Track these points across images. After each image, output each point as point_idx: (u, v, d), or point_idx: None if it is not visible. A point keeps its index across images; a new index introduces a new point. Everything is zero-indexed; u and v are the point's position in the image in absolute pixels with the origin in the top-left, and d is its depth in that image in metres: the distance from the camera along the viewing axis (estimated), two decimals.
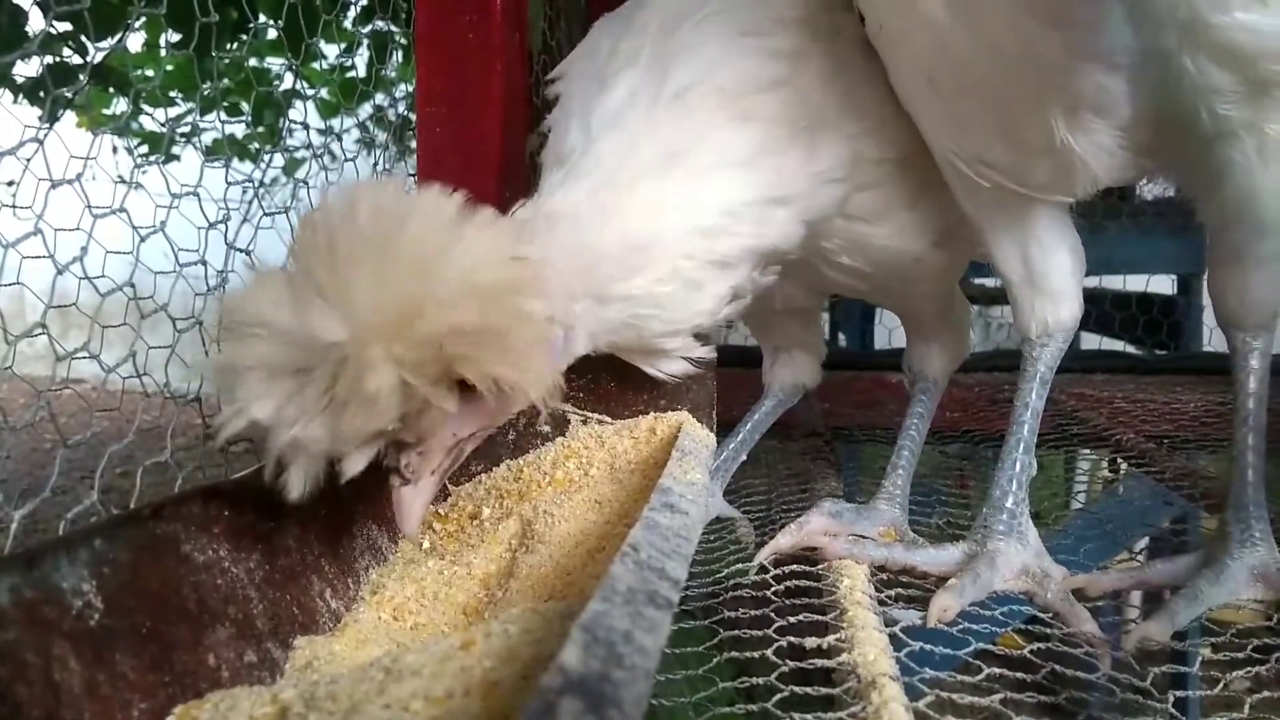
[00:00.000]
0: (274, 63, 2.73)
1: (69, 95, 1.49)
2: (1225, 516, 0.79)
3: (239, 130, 2.88)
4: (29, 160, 0.80)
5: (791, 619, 0.75)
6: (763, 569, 0.87)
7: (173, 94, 2.89)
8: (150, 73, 2.82)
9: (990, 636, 0.76)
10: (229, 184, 1.12)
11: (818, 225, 0.91)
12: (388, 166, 1.59)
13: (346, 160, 1.40)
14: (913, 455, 1.04)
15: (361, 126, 1.82)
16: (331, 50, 1.95)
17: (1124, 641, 0.74)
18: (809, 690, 0.64)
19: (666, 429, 0.93)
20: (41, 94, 2.17)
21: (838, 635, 0.69)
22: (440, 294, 0.65)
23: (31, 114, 2.20)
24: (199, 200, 1.03)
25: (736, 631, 0.76)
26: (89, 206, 0.89)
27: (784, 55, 0.87)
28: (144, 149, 2.92)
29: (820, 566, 0.85)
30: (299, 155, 1.66)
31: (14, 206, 0.94)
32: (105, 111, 2.69)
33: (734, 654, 0.76)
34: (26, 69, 2.21)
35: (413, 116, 1.37)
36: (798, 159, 0.86)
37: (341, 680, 0.50)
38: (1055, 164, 0.76)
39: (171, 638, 0.58)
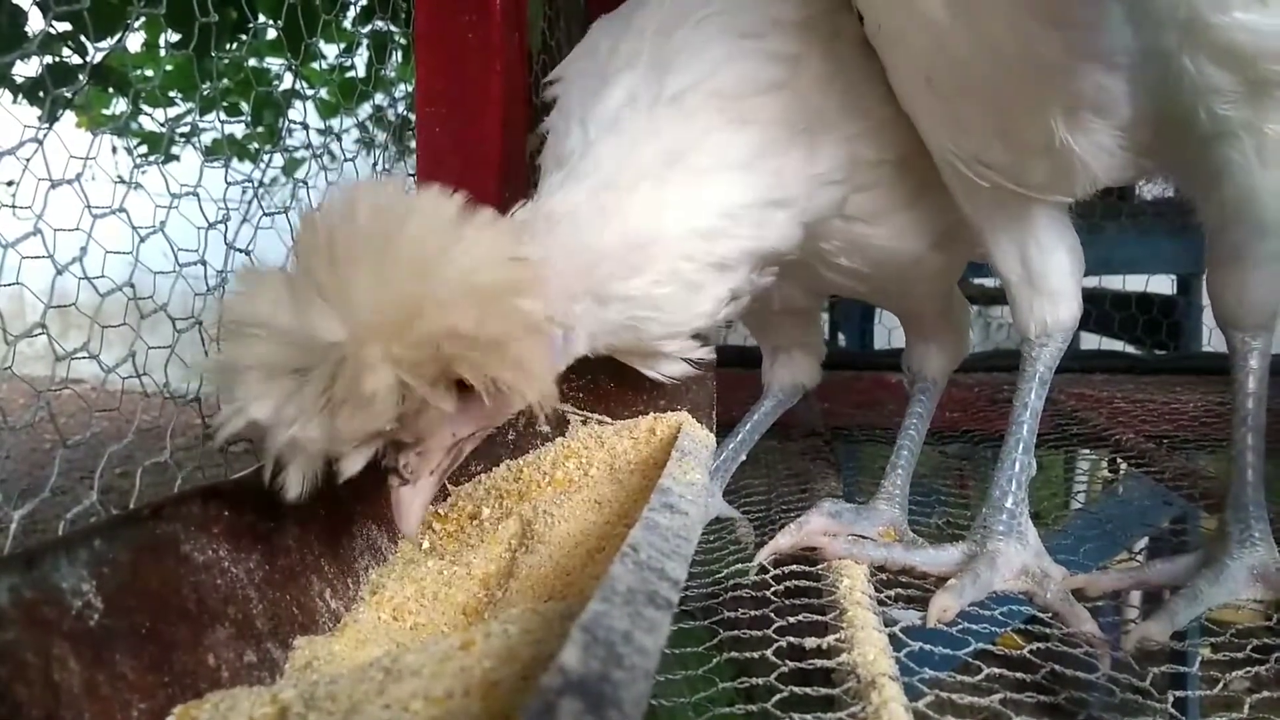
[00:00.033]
0: (274, 63, 2.73)
1: (69, 95, 1.49)
2: (1225, 516, 0.79)
3: (239, 130, 2.88)
4: (29, 160, 0.80)
5: (791, 619, 0.75)
6: (762, 569, 0.87)
7: (172, 94, 2.90)
8: (150, 73, 2.82)
9: (990, 636, 0.76)
10: (229, 184, 1.12)
11: (816, 227, 0.91)
12: (387, 166, 1.59)
13: (346, 160, 1.40)
14: (912, 455, 1.04)
15: (361, 126, 1.82)
16: (331, 50, 1.96)
17: (1124, 641, 0.74)
18: (809, 690, 0.64)
19: (666, 429, 0.93)
20: (41, 94, 2.17)
21: (837, 635, 0.69)
22: (439, 294, 0.65)
23: (31, 114, 2.20)
24: (199, 200, 1.03)
25: (736, 632, 0.76)
26: (89, 206, 0.89)
27: (783, 58, 0.87)
28: (144, 149, 2.92)
29: (820, 567, 0.85)
30: (299, 155, 1.66)
31: (14, 206, 0.94)
32: (105, 111, 2.69)
33: (734, 654, 0.76)
34: (26, 69, 2.21)
35: (412, 116, 1.37)
36: (797, 161, 0.86)
37: (341, 680, 0.50)
38: (1054, 164, 0.76)
39: (171, 638, 0.58)
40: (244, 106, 2.27)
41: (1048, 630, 0.76)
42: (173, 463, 0.87)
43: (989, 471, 0.86)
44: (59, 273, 0.85)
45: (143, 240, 0.94)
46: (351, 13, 1.94)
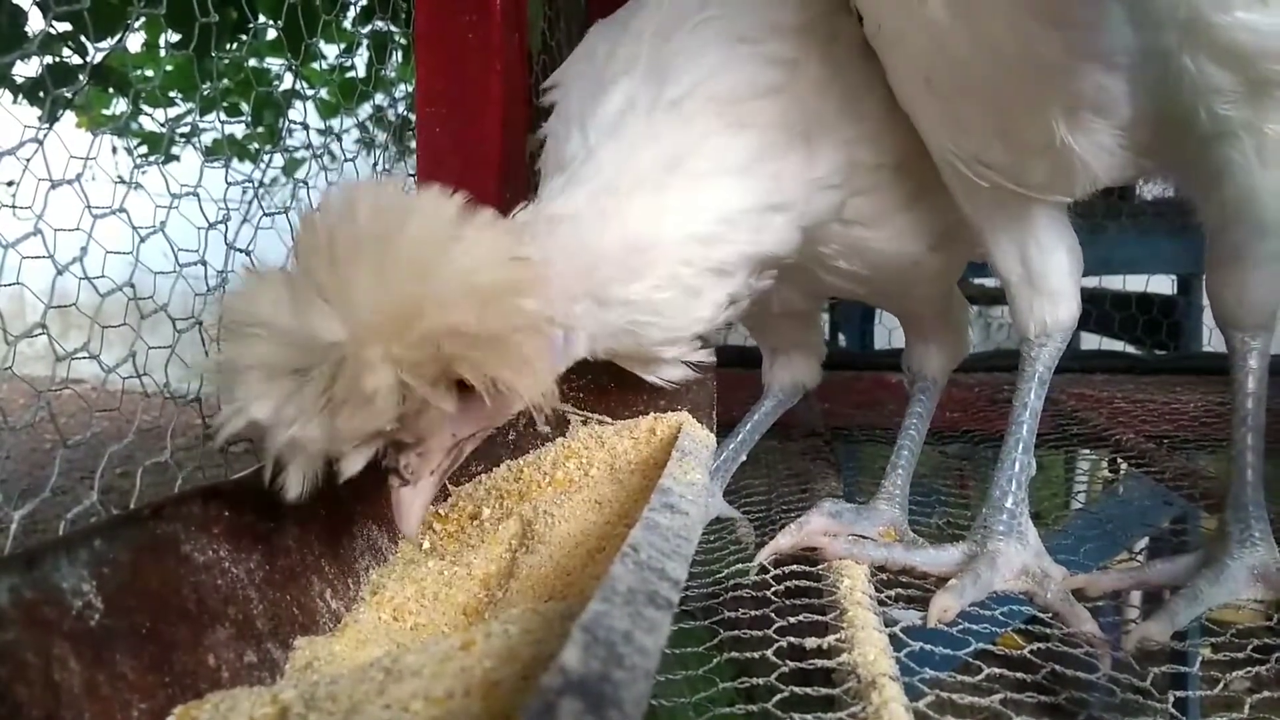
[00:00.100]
0: (274, 63, 2.73)
1: (69, 95, 1.49)
2: (1225, 516, 0.79)
3: (239, 130, 2.88)
4: (29, 160, 0.80)
5: (791, 619, 0.75)
6: (763, 569, 0.87)
7: (172, 94, 2.90)
8: (150, 73, 2.82)
9: (990, 637, 0.76)
10: (229, 184, 1.12)
11: (815, 231, 0.91)
12: (387, 167, 1.59)
13: (346, 160, 1.40)
14: (912, 455, 1.04)
15: (361, 127, 1.82)
16: (331, 50, 1.95)
17: (1124, 641, 0.74)
18: (809, 690, 0.64)
19: (666, 429, 0.93)
20: (41, 94, 2.17)
21: (838, 635, 0.69)
22: (440, 294, 0.65)
23: (31, 114, 2.20)
24: (199, 200, 1.03)
25: (736, 632, 0.76)
26: (89, 207, 0.89)
27: (781, 62, 0.87)
28: (144, 149, 2.92)
29: (820, 567, 0.85)
30: (299, 155, 1.66)
31: (14, 206, 0.94)
32: (105, 112, 2.69)
33: (734, 654, 0.76)
34: (26, 69, 2.21)
35: (412, 116, 1.37)
36: (795, 165, 0.86)
37: (341, 681, 0.50)
38: (1054, 164, 0.76)
39: (171, 638, 0.58)
40: (244, 107, 2.27)
41: (1048, 630, 0.76)
42: (173, 463, 0.87)
43: (989, 471, 0.86)
44: (59, 273, 0.85)
45: (143, 240, 0.94)
46: (351, 13, 1.94)
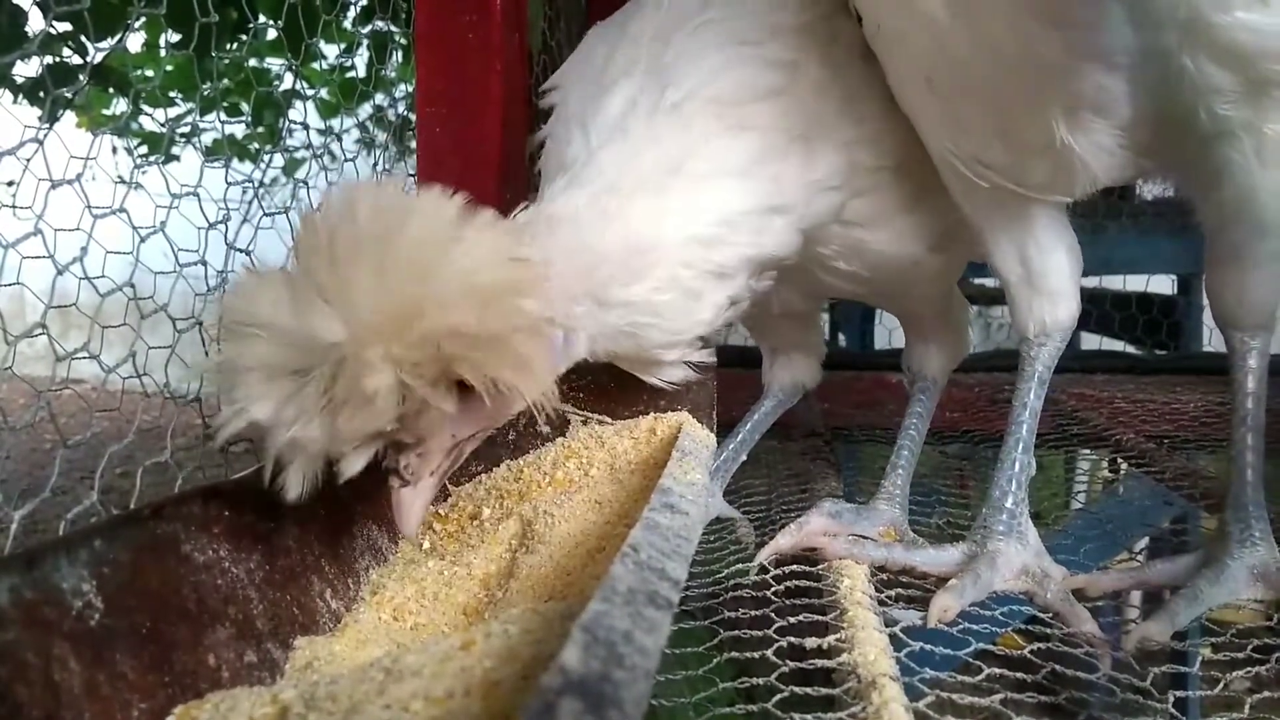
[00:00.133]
0: (274, 63, 2.73)
1: (69, 95, 1.49)
2: (1225, 516, 0.79)
3: (239, 130, 2.88)
4: (29, 160, 0.80)
5: (792, 619, 0.75)
6: (763, 569, 0.87)
7: (173, 94, 2.90)
8: (150, 73, 2.82)
9: (990, 637, 0.76)
10: (229, 184, 1.12)
11: (815, 232, 0.91)
12: (388, 167, 1.59)
13: (346, 160, 1.40)
14: (912, 455, 1.04)
15: (361, 127, 1.82)
16: (331, 50, 1.95)
17: (1124, 641, 0.74)
18: (809, 690, 0.64)
19: (666, 429, 0.93)
20: (41, 94, 2.17)
21: (838, 635, 0.69)
22: (440, 295, 0.65)
23: (31, 114, 2.20)
24: (199, 200, 1.03)
25: (736, 632, 0.76)
26: (89, 207, 0.89)
27: (781, 64, 0.87)
28: (144, 149, 2.92)
29: (820, 567, 0.85)
30: (299, 155, 1.66)
31: (14, 206, 0.94)
32: (105, 112, 2.69)
33: (734, 654, 0.76)
34: (26, 69, 2.21)
35: (413, 116, 1.37)
36: (795, 167, 0.86)
37: (341, 681, 0.50)
38: (1054, 164, 0.76)
39: (171, 638, 0.58)
40: (244, 107, 2.27)
41: (1048, 630, 0.76)
42: (173, 463, 0.87)
43: (989, 471, 0.86)
44: (59, 273, 0.85)
45: (143, 240, 0.94)
46: (351, 13, 1.94)
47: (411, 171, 1.39)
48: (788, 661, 0.68)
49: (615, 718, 0.33)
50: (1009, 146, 0.79)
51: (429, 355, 0.65)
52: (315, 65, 2.00)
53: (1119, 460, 1.75)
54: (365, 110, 1.89)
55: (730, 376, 1.13)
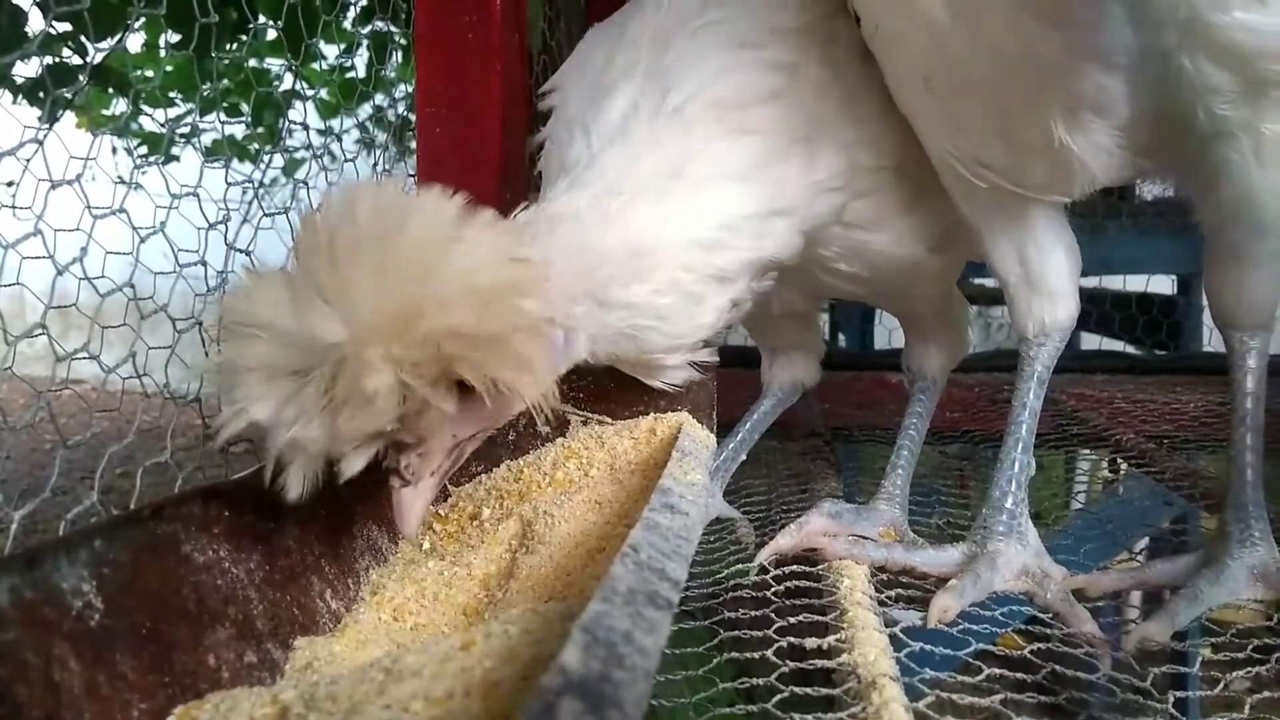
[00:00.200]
0: (274, 63, 2.73)
1: (69, 96, 1.49)
2: (1225, 516, 0.79)
3: (239, 131, 2.88)
4: (29, 160, 0.80)
5: (791, 619, 0.75)
6: (763, 569, 0.87)
7: (172, 94, 2.90)
8: (150, 73, 2.82)
9: (990, 637, 0.76)
10: (229, 184, 1.12)
11: (816, 234, 0.91)
12: (388, 167, 1.59)
13: (346, 161, 1.40)
14: (912, 455, 1.04)
15: (361, 127, 1.82)
16: (331, 51, 1.95)
17: (1124, 642, 0.74)
18: (809, 691, 0.64)
19: (666, 429, 0.93)
20: (41, 94, 2.17)
21: (838, 636, 0.69)
22: (440, 295, 0.65)
23: (31, 114, 2.21)
24: (199, 201, 1.03)
25: (736, 632, 0.76)
26: (89, 207, 0.89)
27: (781, 66, 0.87)
28: (144, 149, 2.92)
29: (820, 567, 0.85)
30: (299, 156, 1.66)
31: (14, 207, 0.94)
32: (105, 112, 2.69)
33: (734, 654, 0.76)
34: (26, 69, 2.21)
35: (412, 117, 1.37)
36: (797, 169, 0.86)
37: (341, 681, 0.50)
38: (1053, 164, 0.76)
39: (171, 638, 0.58)
40: (244, 107, 2.27)
41: (1048, 631, 0.76)
42: (173, 463, 0.87)
43: (989, 471, 0.86)
44: (59, 273, 0.85)
45: (143, 241, 0.94)
46: (351, 13, 1.94)
47: (411, 172, 1.39)
48: (788, 662, 0.68)
49: (615, 718, 0.33)
50: (1008, 147, 0.79)
51: (429, 355, 0.65)
52: (315, 65, 2.01)
53: (1119, 460, 1.75)
54: (365, 110, 1.89)
55: (730, 376, 1.13)
